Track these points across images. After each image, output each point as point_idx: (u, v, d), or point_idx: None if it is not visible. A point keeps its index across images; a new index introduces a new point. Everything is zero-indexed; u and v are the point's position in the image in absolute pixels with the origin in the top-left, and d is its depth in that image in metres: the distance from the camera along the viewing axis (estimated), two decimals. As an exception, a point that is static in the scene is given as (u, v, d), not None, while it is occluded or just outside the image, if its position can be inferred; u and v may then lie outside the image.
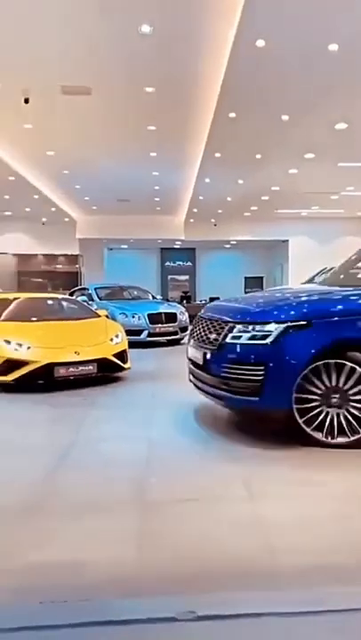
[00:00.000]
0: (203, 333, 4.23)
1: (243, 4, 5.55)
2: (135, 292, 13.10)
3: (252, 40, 6.29)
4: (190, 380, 4.55)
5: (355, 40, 6.29)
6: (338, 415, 3.62)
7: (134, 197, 16.77)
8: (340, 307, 3.85)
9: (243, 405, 3.82)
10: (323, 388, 3.62)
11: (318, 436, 3.61)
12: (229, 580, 2.07)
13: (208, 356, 4.02)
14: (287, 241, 21.26)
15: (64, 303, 8.01)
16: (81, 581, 2.08)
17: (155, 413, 4.79)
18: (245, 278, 24.42)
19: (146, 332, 10.39)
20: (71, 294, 12.23)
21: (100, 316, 7.67)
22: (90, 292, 12.63)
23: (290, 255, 21.14)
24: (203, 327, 4.28)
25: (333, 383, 3.62)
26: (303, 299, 4.09)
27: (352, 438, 3.58)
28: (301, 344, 3.62)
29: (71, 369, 6.01)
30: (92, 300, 11.82)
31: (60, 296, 8.74)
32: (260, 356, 3.64)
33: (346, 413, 3.61)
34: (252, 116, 9.03)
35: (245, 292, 20.42)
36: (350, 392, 3.61)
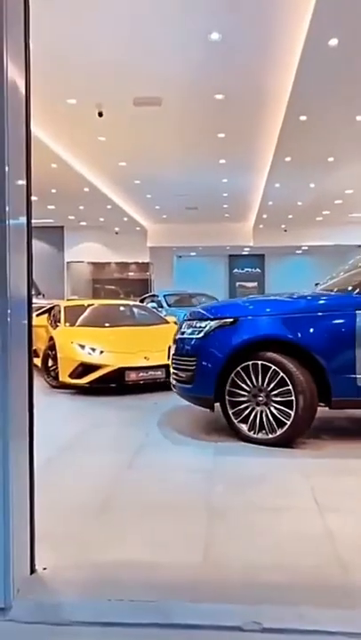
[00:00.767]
0: (177, 331, 4.66)
1: (314, 3, 5.45)
2: (203, 299, 13.15)
3: (324, 39, 6.16)
4: None
5: None
6: (262, 413, 3.87)
7: (203, 205, 16.88)
8: (268, 307, 4.24)
9: (183, 392, 4.33)
10: (250, 386, 3.90)
11: (243, 428, 3.93)
12: (297, 594, 2.01)
13: (172, 350, 4.58)
14: (361, 245, 20.49)
15: (135, 310, 8.19)
16: (148, 582, 2.10)
17: (221, 420, 4.77)
18: (317, 285, 23.83)
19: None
20: (142, 301, 12.49)
21: (168, 322, 7.77)
22: (159, 298, 12.84)
23: (365, 260, 20.33)
24: (180, 325, 4.65)
25: (259, 383, 3.87)
26: (252, 300, 4.57)
27: (270, 436, 3.82)
28: (227, 338, 3.96)
29: (141, 373, 6.13)
30: (162, 306, 12.00)
31: (131, 303, 8.95)
32: (194, 348, 4.10)
33: (268, 412, 3.85)
34: (324, 117, 8.83)
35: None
36: (272, 393, 3.83)
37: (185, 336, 4.27)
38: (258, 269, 25.11)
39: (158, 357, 6.26)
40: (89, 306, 7.75)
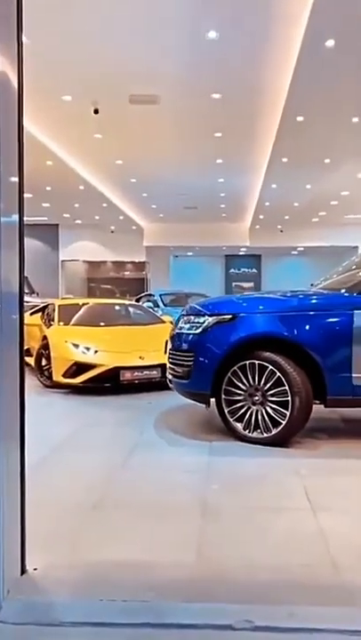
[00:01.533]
0: (174, 326, 4.67)
1: (311, 4, 5.45)
2: (199, 299, 13.15)
3: (321, 40, 6.17)
4: None
5: None
6: (257, 412, 3.88)
7: (200, 205, 16.88)
8: (267, 305, 4.24)
9: (179, 387, 4.32)
10: (247, 385, 3.90)
11: (238, 427, 3.93)
12: (289, 592, 2.00)
13: (168, 345, 4.57)
14: (357, 247, 20.52)
15: (130, 309, 8.17)
16: (141, 582, 2.09)
17: (216, 418, 4.76)
18: (312, 285, 23.86)
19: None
20: (137, 300, 12.47)
21: (164, 321, 7.76)
22: (155, 298, 12.83)
23: (360, 261, 20.39)
24: (177, 321, 4.67)
25: (256, 382, 3.87)
26: (250, 297, 4.67)
27: (265, 435, 3.83)
28: (225, 334, 3.97)
29: (136, 373, 6.11)
30: (158, 306, 11.99)
31: (126, 302, 8.93)
32: (192, 343, 4.11)
33: (263, 411, 3.85)
34: (321, 119, 8.84)
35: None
36: (268, 392, 3.83)
37: (182, 331, 4.27)
38: (254, 270, 25.15)
39: (154, 357, 6.24)
40: (83, 305, 7.72)
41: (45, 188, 14.40)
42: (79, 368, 6.04)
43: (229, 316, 4.01)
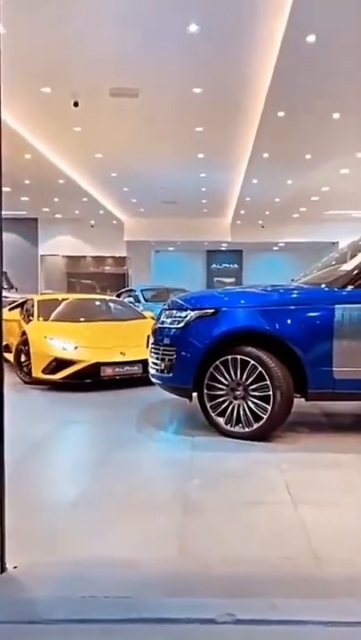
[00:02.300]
0: (156, 320, 4.66)
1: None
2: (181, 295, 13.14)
3: (302, 36, 6.18)
4: None
5: None
6: (239, 406, 3.89)
7: (181, 200, 16.85)
8: (249, 299, 4.25)
9: (161, 382, 4.30)
10: (229, 380, 3.91)
11: (220, 421, 3.94)
12: (271, 585, 2.02)
13: (150, 339, 4.56)
14: (337, 243, 20.73)
15: (111, 304, 8.12)
16: (123, 578, 2.08)
17: (197, 414, 4.77)
18: (293, 280, 24.04)
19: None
20: (118, 295, 12.41)
21: (146, 317, 7.73)
22: (136, 293, 12.78)
23: (340, 257, 20.61)
24: (158, 315, 4.63)
25: (238, 377, 3.87)
26: (232, 291, 4.55)
27: (246, 430, 3.84)
28: (207, 328, 3.97)
29: (117, 369, 6.08)
30: (139, 301, 11.95)
31: (107, 297, 8.87)
32: (174, 338, 4.09)
33: (245, 406, 3.86)
34: (302, 114, 8.87)
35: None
36: (250, 387, 3.84)
37: (164, 326, 4.24)
38: (236, 265, 25.24)
39: (135, 352, 6.21)
40: (63, 300, 7.64)
41: (24, 182, 14.19)
42: (59, 364, 5.98)
43: (212, 311, 4.01)
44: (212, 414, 3.98)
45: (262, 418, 3.79)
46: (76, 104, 8.66)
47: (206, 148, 11.51)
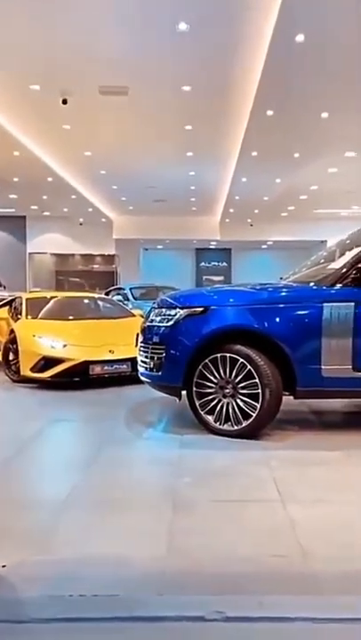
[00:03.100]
0: (145, 319, 4.67)
1: (281, -2, 5.48)
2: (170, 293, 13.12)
3: (291, 35, 6.20)
4: None
5: None
6: (228, 404, 3.90)
7: (170, 198, 16.83)
8: (238, 297, 4.23)
9: (150, 380, 4.30)
10: (218, 378, 3.91)
11: (209, 419, 3.95)
12: (260, 583, 2.03)
13: (139, 338, 4.55)
14: (326, 242, 20.84)
15: (100, 302, 8.09)
16: (112, 576, 2.07)
17: (187, 412, 4.78)
18: (281, 279, 24.15)
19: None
20: (107, 294, 12.37)
21: (135, 315, 7.72)
22: (125, 291, 12.74)
23: (328, 256, 20.75)
24: (148, 313, 4.64)
25: (227, 375, 3.88)
26: (222, 290, 4.54)
27: (235, 428, 3.85)
28: (196, 327, 3.97)
29: (106, 367, 6.07)
30: (128, 299, 11.91)
31: (96, 295, 8.84)
32: (163, 336, 4.08)
33: (234, 404, 3.88)
34: (291, 113, 8.90)
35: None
36: (239, 385, 3.86)
37: (154, 324, 4.24)
38: (225, 263, 25.27)
39: (124, 351, 6.20)
40: (52, 298, 7.60)
41: (12, 179, 14.09)
42: (47, 362, 5.96)
43: (201, 309, 4.01)
44: (201, 412, 3.98)
45: (251, 416, 3.81)
46: (64, 102, 8.61)
47: (195, 146, 11.51)
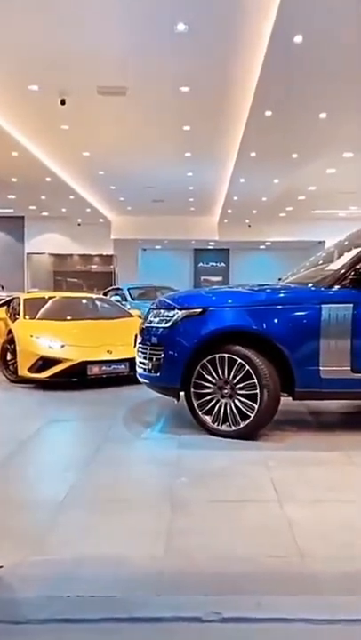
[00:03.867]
0: (144, 320, 4.65)
1: (280, -1, 5.48)
2: (168, 293, 13.12)
3: (289, 36, 6.20)
4: None
5: (396, 34, 6.12)
6: (226, 405, 3.89)
7: (168, 198, 16.83)
8: (236, 298, 4.24)
9: (148, 381, 4.29)
10: (216, 378, 3.91)
11: (207, 420, 3.95)
12: (257, 583, 2.03)
13: (137, 339, 4.54)
14: (324, 242, 20.85)
15: (98, 303, 8.08)
16: (109, 577, 2.08)
17: (184, 413, 4.78)
18: (279, 280, 24.15)
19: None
20: (105, 294, 12.36)
21: (132, 315, 7.72)
22: (124, 291, 12.74)
23: (326, 256, 20.77)
24: (146, 315, 4.63)
25: (225, 376, 3.88)
26: (220, 291, 4.50)
27: (233, 428, 3.86)
28: (194, 328, 3.96)
29: (104, 367, 6.06)
30: (126, 299, 11.91)
31: (94, 296, 8.84)
32: (161, 337, 4.08)
33: (232, 404, 3.87)
34: (289, 114, 8.91)
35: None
36: (237, 386, 3.85)
37: (152, 325, 4.23)
38: (223, 264, 25.27)
39: (122, 351, 6.20)
40: (50, 298, 7.60)
41: (11, 180, 14.08)
42: (45, 363, 5.94)
43: (199, 310, 4.00)
44: (200, 413, 3.97)
45: (249, 416, 3.80)
46: (63, 102, 8.60)
47: (194, 147, 11.51)
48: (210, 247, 23.83)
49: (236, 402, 3.86)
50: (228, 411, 3.89)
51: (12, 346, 6.30)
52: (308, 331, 3.82)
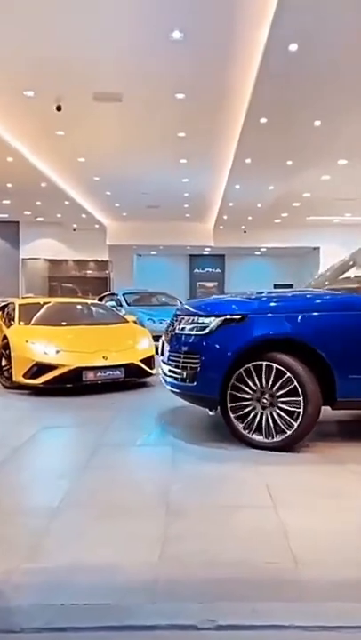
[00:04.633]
0: (169, 326, 4.52)
1: (275, 7, 5.52)
2: (163, 298, 13.14)
3: (284, 44, 6.25)
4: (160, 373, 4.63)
5: (389, 43, 6.19)
6: (265, 415, 3.73)
7: (164, 204, 16.87)
8: (274, 304, 4.04)
9: (181, 391, 4.08)
10: (254, 387, 3.75)
11: (244, 430, 3.77)
12: (252, 590, 2.02)
13: (165, 346, 4.34)
14: (318, 248, 20.98)
15: (93, 308, 8.07)
16: (104, 584, 2.06)
17: (179, 419, 4.77)
18: (275, 286, 24.21)
19: (173, 338, 10.35)
20: (100, 299, 12.35)
21: (128, 321, 7.71)
22: (119, 297, 12.74)
23: (321, 263, 20.84)
24: (171, 321, 4.51)
25: (265, 385, 3.72)
26: (260, 296, 4.29)
27: (271, 440, 3.70)
28: (234, 336, 3.78)
29: (99, 373, 6.04)
30: (121, 305, 11.91)
31: (89, 301, 8.82)
32: (197, 345, 3.88)
33: (272, 415, 3.71)
34: (284, 121, 8.97)
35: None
36: (278, 395, 3.70)
37: (184, 332, 4.01)
38: (218, 269, 25.33)
39: (117, 357, 6.19)
40: (45, 304, 7.57)
41: (6, 185, 14.07)
42: (40, 368, 5.92)
43: (239, 317, 3.82)
44: (235, 423, 3.78)
45: (291, 428, 3.64)
46: (59, 108, 8.62)
47: (189, 154, 11.56)
48: (205, 253, 23.89)
49: (277, 412, 3.69)
50: (267, 421, 3.71)
51: (7, 352, 6.27)
52: (354, 338, 3.67)
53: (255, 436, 3.74)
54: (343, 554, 2.30)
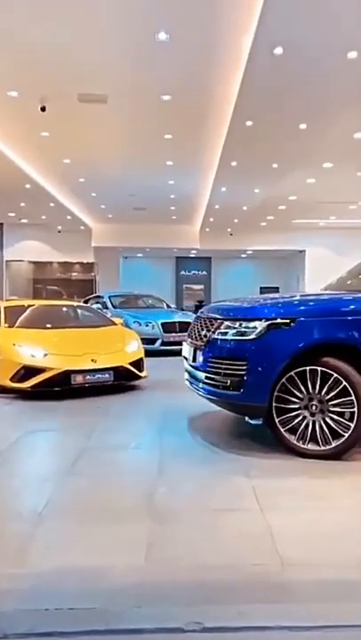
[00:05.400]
0: (196, 331, 4.31)
1: (260, 10, 5.55)
2: (150, 301, 13.11)
3: (269, 47, 6.29)
4: (186, 379, 4.51)
5: (373, 48, 6.26)
6: (314, 423, 3.61)
7: (150, 206, 16.86)
8: (323, 307, 3.91)
9: (225, 400, 3.89)
10: (304, 393, 3.63)
11: (291, 439, 3.64)
12: (238, 592, 2.02)
13: (198, 352, 4.12)
14: (304, 251, 21.14)
15: (79, 311, 8.02)
16: (89, 589, 2.05)
17: (168, 423, 4.76)
18: (261, 288, 24.35)
19: (159, 341, 10.35)
20: (86, 302, 12.28)
21: (116, 324, 7.67)
22: (104, 299, 12.67)
23: (306, 266, 21.02)
24: (197, 326, 4.33)
25: (314, 391, 3.60)
26: (308, 299, 4.14)
27: (322, 448, 3.58)
28: (284, 341, 3.63)
29: (88, 376, 5.98)
30: (107, 307, 11.85)
31: (75, 303, 8.76)
32: (243, 351, 3.69)
33: (322, 422, 3.59)
34: (270, 124, 9.01)
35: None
36: (330, 401, 3.58)
37: (227, 337, 3.82)
38: (204, 272, 25.38)
39: (106, 360, 6.14)
40: (29, 306, 7.51)
41: (-10, 186, 13.95)
42: (28, 372, 5.84)
43: (287, 320, 3.66)
44: (282, 430, 3.64)
45: (343, 435, 3.53)
46: (43, 109, 8.57)
47: (175, 156, 11.57)
48: (192, 255, 23.92)
49: (328, 419, 3.57)
50: (318, 429, 3.59)
51: (-8, 354, 6.20)
52: None
53: (301, 444, 3.62)
54: (328, 555, 2.31)
